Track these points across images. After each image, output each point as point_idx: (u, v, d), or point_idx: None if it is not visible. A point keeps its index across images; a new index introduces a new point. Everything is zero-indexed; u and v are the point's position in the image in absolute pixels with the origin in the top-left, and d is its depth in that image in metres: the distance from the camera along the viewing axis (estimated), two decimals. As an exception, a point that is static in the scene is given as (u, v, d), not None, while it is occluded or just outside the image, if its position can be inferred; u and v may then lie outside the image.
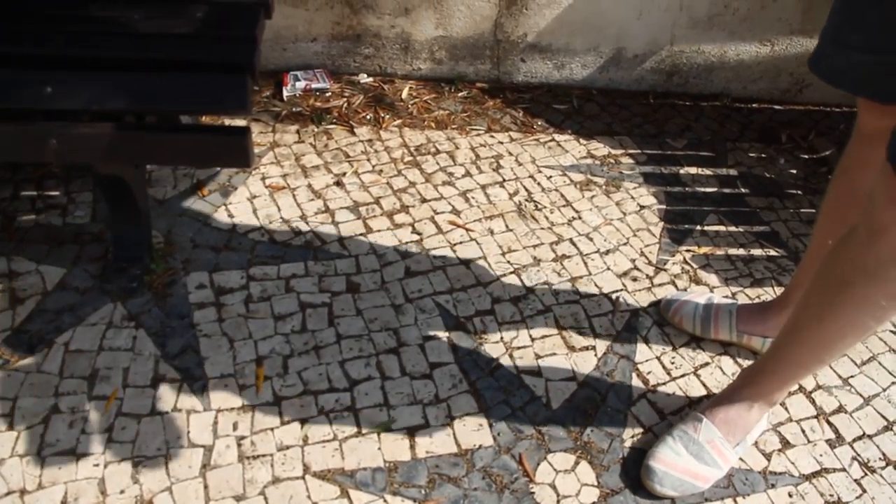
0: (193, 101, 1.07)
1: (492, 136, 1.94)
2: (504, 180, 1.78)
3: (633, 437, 1.25)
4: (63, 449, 1.14)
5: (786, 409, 1.32)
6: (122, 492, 1.09)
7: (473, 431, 1.23)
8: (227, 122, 1.83)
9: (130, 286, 1.39)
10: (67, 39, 1.07)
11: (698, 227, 1.72)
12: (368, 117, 1.95)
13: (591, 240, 1.64)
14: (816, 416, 1.32)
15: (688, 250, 1.65)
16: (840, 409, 1.34)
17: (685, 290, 1.54)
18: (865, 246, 0.89)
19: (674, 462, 1.16)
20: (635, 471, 1.19)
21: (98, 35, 1.10)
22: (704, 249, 1.66)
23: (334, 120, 1.92)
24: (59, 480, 1.10)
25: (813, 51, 1.08)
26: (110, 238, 1.48)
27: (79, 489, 1.09)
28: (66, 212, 1.55)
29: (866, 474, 1.24)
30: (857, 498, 1.20)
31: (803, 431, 1.29)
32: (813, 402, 1.35)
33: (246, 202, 1.63)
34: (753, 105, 2.20)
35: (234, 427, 1.19)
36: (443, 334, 1.38)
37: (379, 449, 1.18)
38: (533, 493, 1.15)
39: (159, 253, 1.47)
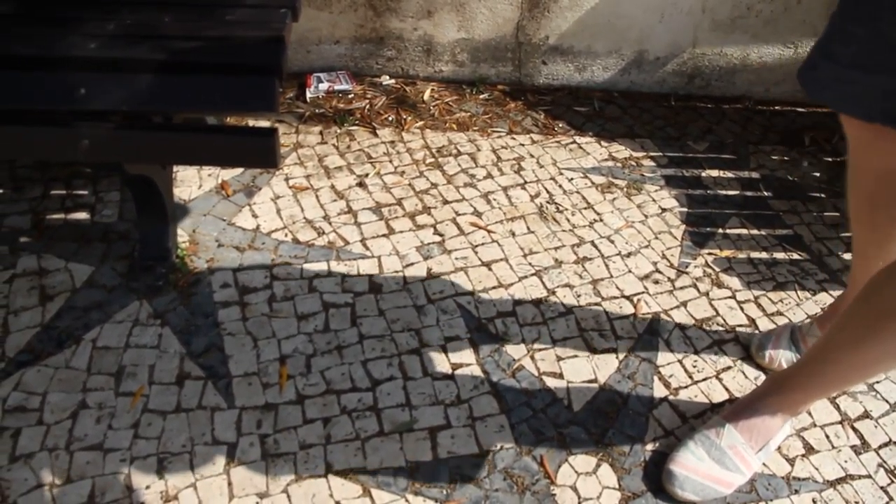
0: (222, 102, 1.08)
1: (513, 138, 1.94)
2: (525, 182, 1.79)
3: (654, 440, 1.24)
4: (90, 444, 1.16)
5: (810, 414, 1.31)
6: (147, 487, 1.11)
7: (495, 432, 1.23)
8: (252, 122, 1.84)
9: (156, 284, 1.41)
10: (100, 43, 1.09)
11: (720, 230, 1.71)
12: (390, 119, 1.96)
13: (612, 242, 1.64)
14: (841, 422, 1.31)
15: (710, 253, 1.64)
16: (865, 415, 1.32)
17: (753, 326, 1.48)
18: None
19: (695, 466, 1.16)
20: (657, 474, 1.19)
21: (129, 38, 1.12)
22: (726, 253, 1.65)
23: (357, 121, 1.94)
24: (86, 475, 1.12)
25: (804, 59, 1.04)
26: (137, 237, 1.50)
27: (106, 483, 1.11)
28: (94, 211, 1.57)
29: (893, 481, 1.22)
30: (882, 505, 1.19)
31: (828, 437, 1.28)
32: (837, 407, 1.33)
33: (270, 202, 1.65)
34: (776, 108, 2.18)
35: (258, 425, 1.21)
36: (464, 335, 1.39)
37: (401, 449, 1.19)
38: (554, 495, 1.15)
39: (184, 252, 1.49)
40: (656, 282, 1.55)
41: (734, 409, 1.20)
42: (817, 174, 1.93)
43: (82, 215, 1.56)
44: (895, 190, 1.07)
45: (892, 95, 0.91)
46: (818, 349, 1.10)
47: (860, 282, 1.25)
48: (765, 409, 1.18)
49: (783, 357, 1.36)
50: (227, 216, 1.60)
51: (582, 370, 1.35)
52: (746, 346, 1.42)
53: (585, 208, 1.73)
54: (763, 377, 1.37)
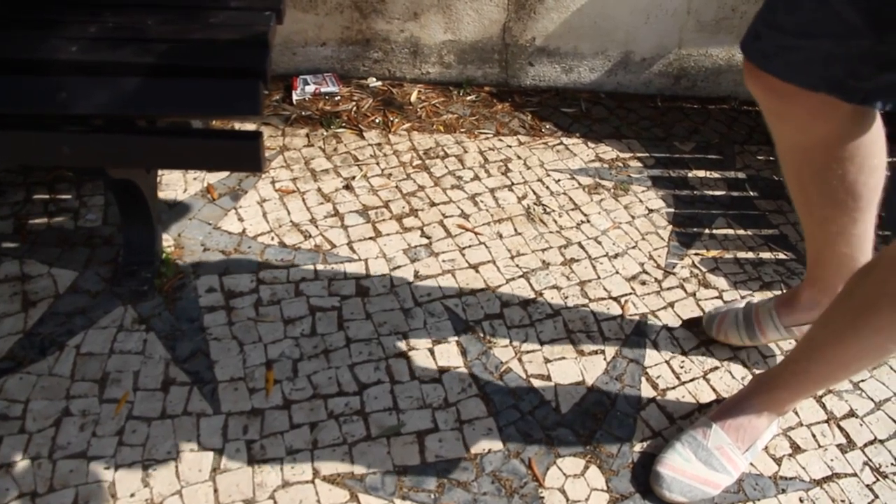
0: (206, 106, 1.07)
1: (500, 140, 1.94)
2: (512, 184, 1.79)
3: (642, 441, 1.24)
4: (74, 451, 1.14)
5: (796, 413, 1.32)
6: (132, 495, 1.10)
7: (483, 435, 1.23)
8: (237, 126, 1.83)
9: (141, 289, 1.40)
10: (82, 46, 1.08)
11: (707, 231, 1.71)
12: (377, 121, 1.96)
13: (599, 243, 1.64)
14: (827, 421, 1.32)
15: (696, 254, 1.64)
16: (851, 414, 1.33)
17: (719, 300, 1.52)
18: (890, 272, 0.89)
19: (682, 468, 1.16)
20: (645, 476, 1.19)
21: (112, 41, 1.10)
22: (713, 253, 1.65)
23: (343, 124, 1.93)
24: (69, 483, 1.11)
25: (746, 30, 1.03)
26: (121, 241, 1.48)
27: (89, 492, 1.10)
28: (78, 215, 1.56)
29: (878, 479, 1.23)
30: (868, 503, 1.19)
31: (814, 436, 1.29)
32: (823, 406, 1.34)
33: (256, 206, 1.64)
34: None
35: (244, 430, 1.20)
36: (452, 338, 1.38)
37: (388, 453, 1.19)
38: (542, 497, 1.15)
39: (170, 256, 1.48)
40: (643, 283, 1.55)
41: (721, 410, 1.21)
42: (802, 174, 1.94)
43: (66, 220, 1.55)
44: (819, 164, 1.07)
45: (833, 61, 0.91)
46: (802, 346, 1.10)
47: (813, 267, 1.26)
48: (751, 409, 1.18)
49: (728, 329, 1.38)
50: (212, 220, 1.59)
51: (569, 372, 1.35)
52: (733, 347, 1.42)
53: (572, 209, 1.73)
54: (750, 377, 1.37)
